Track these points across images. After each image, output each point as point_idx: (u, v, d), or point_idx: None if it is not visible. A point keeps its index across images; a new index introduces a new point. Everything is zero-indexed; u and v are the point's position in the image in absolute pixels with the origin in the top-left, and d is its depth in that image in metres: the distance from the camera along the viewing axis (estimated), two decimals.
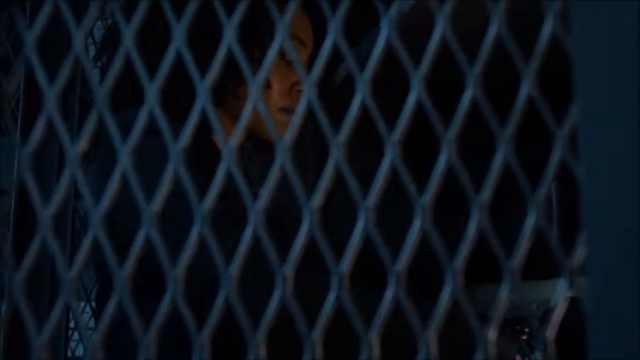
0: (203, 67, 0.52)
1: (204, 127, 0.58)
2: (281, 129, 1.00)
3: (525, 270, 0.49)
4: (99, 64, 1.10)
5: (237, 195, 0.48)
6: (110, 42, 1.03)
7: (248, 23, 0.85)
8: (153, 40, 0.91)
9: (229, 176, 0.50)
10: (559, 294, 1.06)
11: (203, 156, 0.88)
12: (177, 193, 0.51)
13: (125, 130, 0.52)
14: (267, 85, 1.02)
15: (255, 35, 0.97)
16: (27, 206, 0.97)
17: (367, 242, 0.47)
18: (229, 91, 1.00)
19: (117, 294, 0.49)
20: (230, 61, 0.53)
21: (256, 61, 0.97)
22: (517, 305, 1.05)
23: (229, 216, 0.90)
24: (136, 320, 0.48)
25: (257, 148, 1.06)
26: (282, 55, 1.02)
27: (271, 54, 0.50)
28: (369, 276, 0.73)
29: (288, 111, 1.02)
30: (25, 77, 1.16)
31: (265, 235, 0.48)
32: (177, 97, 0.90)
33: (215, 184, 0.50)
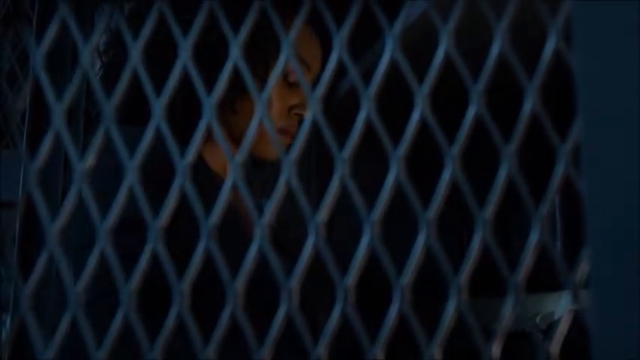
0: (206, 83, 0.53)
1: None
2: (276, 150, 1.01)
3: (529, 283, 0.50)
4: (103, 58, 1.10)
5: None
6: (113, 41, 1.04)
7: (253, 41, 0.85)
8: (157, 55, 0.91)
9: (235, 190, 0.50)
10: (562, 307, 1.06)
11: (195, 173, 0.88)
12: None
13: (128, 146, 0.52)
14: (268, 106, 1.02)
15: (260, 54, 0.98)
16: (33, 220, 0.97)
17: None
18: (228, 105, 1.00)
19: (123, 308, 0.50)
20: (230, 77, 0.53)
21: (259, 80, 0.98)
22: (520, 318, 1.05)
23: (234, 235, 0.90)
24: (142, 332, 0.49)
25: (253, 166, 1.06)
26: (284, 76, 1.03)
27: (277, 70, 0.51)
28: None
29: (285, 132, 1.02)
30: (31, 91, 1.17)
31: (271, 249, 0.49)
32: (176, 112, 0.90)
33: (221, 199, 0.51)
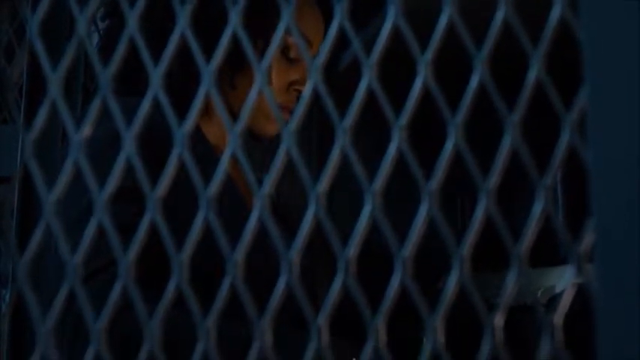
0: (204, 52, 0.52)
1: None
2: (274, 126, 1.00)
3: (529, 257, 0.49)
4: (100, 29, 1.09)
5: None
6: (110, 11, 1.02)
7: (253, 12, 0.84)
8: (155, 23, 0.90)
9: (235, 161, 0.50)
10: (564, 281, 1.05)
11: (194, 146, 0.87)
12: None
13: (126, 116, 0.52)
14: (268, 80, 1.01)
15: (260, 25, 0.96)
16: (31, 193, 0.96)
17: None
18: (226, 80, 0.99)
19: (121, 280, 0.49)
20: (228, 49, 0.52)
21: (259, 53, 0.97)
22: (521, 292, 1.05)
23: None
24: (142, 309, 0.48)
25: (253, 141, 1.05)
26: (283, 51, 1.02)
27: (277, 38, 0.50)
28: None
29: (284, 109, 1.01)
30: (28, 65, 1.16)
31: (270, 220, 0.48)
32: (174, 82, 0.89)
33: (220, 170, 0.50)
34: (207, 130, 0.99)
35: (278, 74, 1.02)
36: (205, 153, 0.96)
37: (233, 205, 0.92)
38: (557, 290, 1.04)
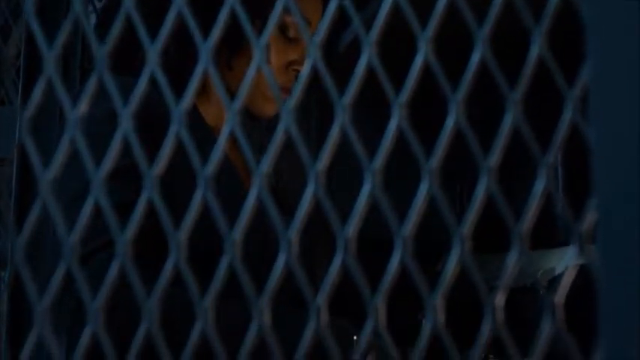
0: (202, 29, 0.51)
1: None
2: (273, 106, 0.99)
3: (530, 239, 0.48)
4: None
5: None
6: None
7: None
8: (151, 2, 0.89)
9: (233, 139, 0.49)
10: (565, 262, 1.05)
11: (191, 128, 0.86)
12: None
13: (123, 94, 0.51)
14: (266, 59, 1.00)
15: (258, 4, 0.96)
16: (29, 173, 0.96)
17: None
18: (224, 61, 0.98)
19: (118, 258, 0.49)
20: (226, 30, 0.52)
21: (257, 32, 0.96)
22: (521, 274, 1.05)
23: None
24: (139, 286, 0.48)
25: (251, 121, 1.04)
26: (282, 30, 1.01)
27: (275, 14, 0.49)
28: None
29: (283, 89, 1.00)
30: (25, 45, 1.15)
31: (269, 198, 0.48)
32: (171, 60, 0.89)
33: (219, 147, 0.49)
34: (204, 112, 0.98)
35: (276, 53, 1.01)
36: (203, 134, 0.95)
37: (231, 187, 0.92)
38: (557, 272, 1.04)
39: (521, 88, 0.47)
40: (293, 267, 0.46)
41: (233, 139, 0.80)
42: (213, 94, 0.99)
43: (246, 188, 0.96)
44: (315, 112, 1.32)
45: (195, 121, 0.96)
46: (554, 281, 1.03)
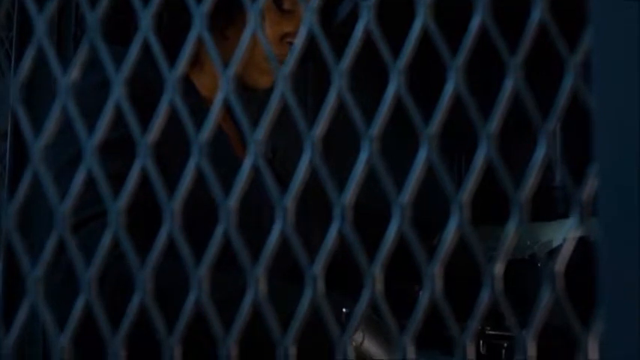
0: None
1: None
2: (267, 77, 0.98)
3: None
4: None
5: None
6: None
7: None
8: None
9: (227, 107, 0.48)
10: (567, 231, 1.04)
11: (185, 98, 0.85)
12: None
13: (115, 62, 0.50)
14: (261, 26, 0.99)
15: None
16: (22, 142, 0.95)
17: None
18: (217, 31, 0.97)
19: (113, 228, 0.48)
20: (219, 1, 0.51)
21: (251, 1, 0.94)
22: (519, 246, 1.04)
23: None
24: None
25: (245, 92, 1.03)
26: (276, 1, 0.99)
27: None
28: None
29: (277, 62, 0.99)
30: (17, 17, 1.13)
31: (264, 165, 0.47)
32: (164, 26, 0.88)
33: (214, 113, 0.48)
34: (198, 82, 0.97)
35: (271, 25, 1.00)
36: (197, 104, 0.94)
37: (224, 158, 0.91)
38: (555, 244, 1.03)
39: (522, 53, 0.46)
40: (289, 235, 0.45)
41: (227, 110, 0.80)
42: (206, 64, 0.97)
43: (240, 160, 0.95)
44: (312, 84, 1.31)
45: (189, 91, 0.95)
46: (553, 253, 1.02)
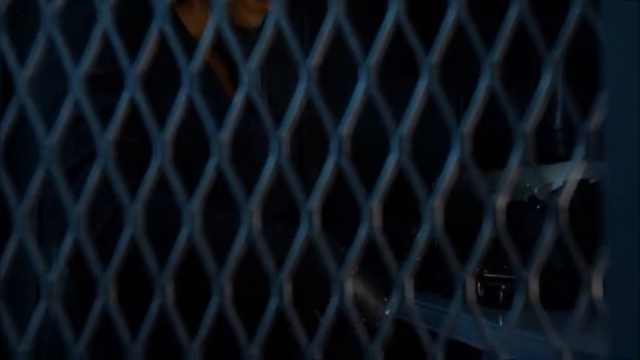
0: None
1: None
2: (256, 16, 0.95)
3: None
4: None
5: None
6: None
7: None
8: None
9: (218, 33, 0.46)
10: (564, 177, 1.03)
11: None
12: None
13: None
14: None
15: None
16: (9, 77, 0.93)
17: None
18: None
19: (101, 159, 0.46)
20: None
21: None
22: (518, 189, 1.03)
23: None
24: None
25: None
26: None
27: None
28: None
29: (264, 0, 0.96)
30: None
31: (257, 97, 0.45)
32: None
33: (205, 43, 0.46)
34: (186, 20, 0.95)
35: None
36: (185, 42, 0.91)
37: (214, 95, 0.89)
38: (555, 187, 1.02)
39: None
40: (284, 168, 0.44)
41: (217, 50, 0.77)
42: (195, 0, 0.95)
43: (228, 95, 0.93)
44: (308, 17, 1.28)
45: (177, 28, 0.92)
46: (554, 195, 1.01)
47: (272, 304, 0.43)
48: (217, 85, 0.93)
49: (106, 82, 0.68)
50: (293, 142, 0.46)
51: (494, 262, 0.97)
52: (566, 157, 1.14)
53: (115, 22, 0.48)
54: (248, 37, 1.02)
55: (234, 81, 0.96)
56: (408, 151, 0.44)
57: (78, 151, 0.76)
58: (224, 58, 0.96)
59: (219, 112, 0.58)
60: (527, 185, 1.03)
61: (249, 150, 0.83)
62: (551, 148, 1.19)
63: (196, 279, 0.53)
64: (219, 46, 0.92)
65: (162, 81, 0.68)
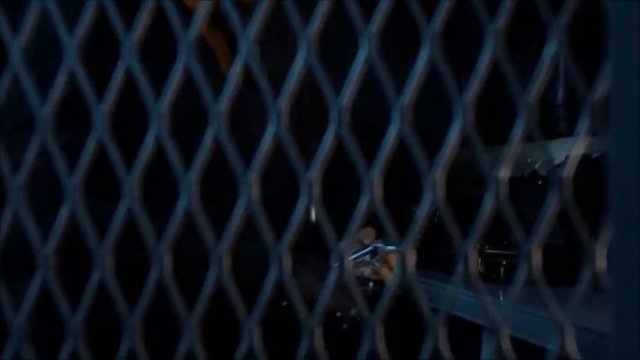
0: None
1: None
2: None
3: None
4: None
5: None
6: None
7: None
8: None
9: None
10: (566, 152, 1.02)
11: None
12: None
13: None
14: None
15: None
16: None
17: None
18: None
19: (97, 132, 0.45)
20: None
21: None
22: (519, 164, 1.02)
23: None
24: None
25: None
26: None
27: None
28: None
29: None
30: None
31: (256, 65, 0.44)
32: None
33: (201, 14, 0.45)
34: None
35: None
36: (182, 15, 0.90)
37: (209, 69, 0.87)
38: (557, 163, 1.01)
39: None
40: (283, 139, 0.43)
41: (215, 24, 0.76)
42: None
43: (224, 70, 0.92)
44: None
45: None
46: (556, 169, 1.00)
47: (271, 276, 0.42)
48: (213, 59, 0.92)
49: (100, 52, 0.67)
50: (292, 112, 0.46)
51: (495, 238, 0.97)
52: (568, 132, 1.14)
53: None
54: (246, 11, 1.01)
55: (233, 57, 0.95)
56: (409, 122, 0.43)
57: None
58: (225, 32, 0.95)
59: (217, 90, 0.57)
60: (529, 160, 1.02)
61: (246, 123, 0.82)
62: (552, 123, 1.19)
63: (193, 251, 0.52)
64: (219, 21, 0.91)
65: (159, 53, 0.67)
